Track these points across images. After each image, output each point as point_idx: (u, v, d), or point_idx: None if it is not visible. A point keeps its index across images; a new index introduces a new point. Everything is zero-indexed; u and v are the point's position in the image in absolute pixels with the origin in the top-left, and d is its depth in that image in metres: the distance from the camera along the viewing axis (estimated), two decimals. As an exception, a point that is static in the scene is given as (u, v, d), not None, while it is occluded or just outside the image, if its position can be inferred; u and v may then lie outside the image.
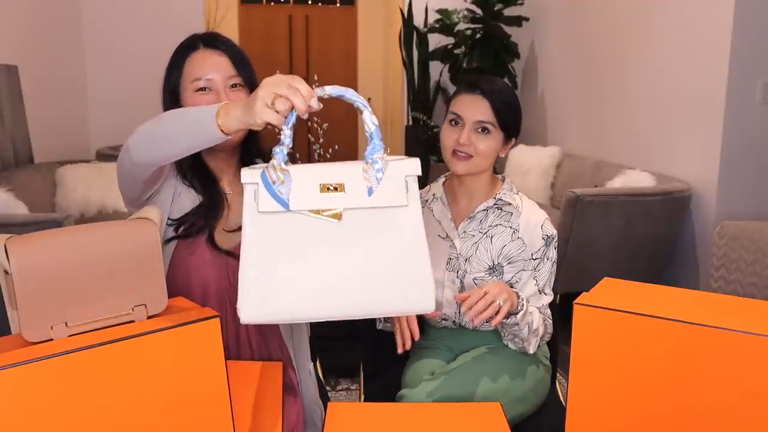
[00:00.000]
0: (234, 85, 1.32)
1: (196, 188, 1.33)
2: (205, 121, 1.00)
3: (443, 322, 1.53)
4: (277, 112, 0.91)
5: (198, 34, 1.36)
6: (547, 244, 1.47)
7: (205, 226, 1.31)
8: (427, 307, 0.94)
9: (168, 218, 1.30)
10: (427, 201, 1.57)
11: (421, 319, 1.53)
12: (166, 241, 1.29)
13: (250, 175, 0.94)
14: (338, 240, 0.92)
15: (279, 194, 0.93)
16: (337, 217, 0.92)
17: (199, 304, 1.31)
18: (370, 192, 0.93)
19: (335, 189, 0.93)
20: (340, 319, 0.93)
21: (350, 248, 0.92)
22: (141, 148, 1.12)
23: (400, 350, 1.38)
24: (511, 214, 1.49)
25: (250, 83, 1.35)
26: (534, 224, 1.47)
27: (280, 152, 0.95)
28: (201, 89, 1.30)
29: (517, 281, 1.48)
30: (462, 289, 1.48)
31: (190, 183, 1.34)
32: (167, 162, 1.19)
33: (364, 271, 0.92)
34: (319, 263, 0.92)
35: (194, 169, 1.35)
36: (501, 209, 1.50)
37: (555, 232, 1.48)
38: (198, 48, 1.33)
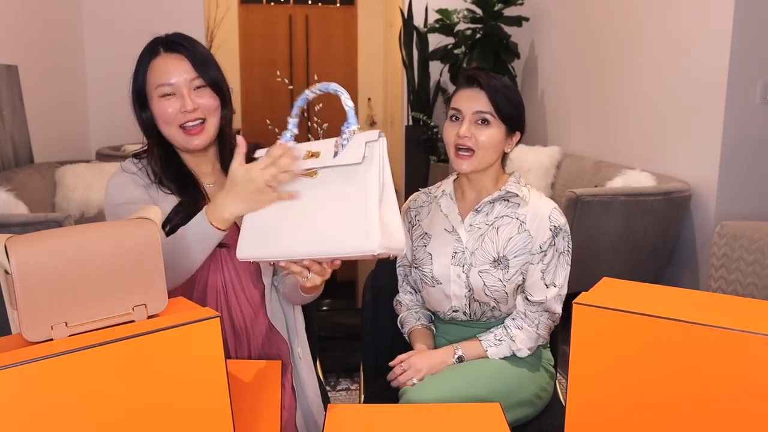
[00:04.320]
0: (198, 87, 1.32)
1: (173, 191, 1.34)
2: (206, 234, 1.19)
3: (453, 314, 1.54)
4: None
5: (159, 38, 1.35)
6: (554, 235, 1.44)
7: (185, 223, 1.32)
8: (370, 247, 1.06)
9: None
10: (436, 197, 1.58)
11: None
12: None
13: (261, 152, 1.21)
14: (314, 192, 1.14)
15: None
16: (312, 174, 1.15)
17: (197, 290, 1.33)
18: (335, 155, 1.13)
19: (313, 155, 1.15)
20: (312, 257, 1.13)
21: (322, 198, 1.13)
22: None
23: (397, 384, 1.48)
24: (518, 206, 1.48)
25: (214, 83, 1.34)
26: (542, 215, 1.45)
27: (283, 136, 1.21)
28: (166, 95, 1.31)
29: (523, 273, 1.46)
30: (468, 283, 1.48)
31: (168, 188, 1.34)
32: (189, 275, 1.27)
33: (329, 216, 1.11)
34: (299, 211, 1.14)
35: (168, 172, 1.35)
36: (507, 201, 1.49)
37: (564, 221, 1.46)
38: (159, 53, 1.33)
